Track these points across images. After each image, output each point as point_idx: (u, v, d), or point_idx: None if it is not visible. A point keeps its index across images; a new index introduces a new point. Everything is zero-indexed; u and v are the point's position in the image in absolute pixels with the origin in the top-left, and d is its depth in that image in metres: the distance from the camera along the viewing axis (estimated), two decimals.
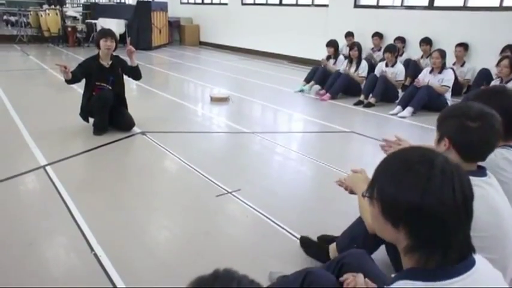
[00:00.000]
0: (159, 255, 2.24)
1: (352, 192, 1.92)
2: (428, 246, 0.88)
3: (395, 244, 0.95)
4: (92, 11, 12.50)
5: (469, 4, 7.08)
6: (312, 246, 2.23)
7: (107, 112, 4.09)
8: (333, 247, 2.07)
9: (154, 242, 2.41)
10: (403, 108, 5.47)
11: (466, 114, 1.45)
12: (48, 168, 3.25)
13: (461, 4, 7.14)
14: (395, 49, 6.14)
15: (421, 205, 0.85)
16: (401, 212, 0.88)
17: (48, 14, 11.46)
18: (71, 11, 13.42)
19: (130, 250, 2.24)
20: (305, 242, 2.26)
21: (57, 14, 11.50)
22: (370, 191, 0.97)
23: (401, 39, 7.71)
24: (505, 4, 6.63)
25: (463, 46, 6.68)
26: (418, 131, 4.84)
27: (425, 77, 5.59)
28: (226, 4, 12.71)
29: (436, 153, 0.93)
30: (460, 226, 0.87)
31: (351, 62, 6.45)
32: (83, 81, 4.11)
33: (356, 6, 8.87)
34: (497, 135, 1.46)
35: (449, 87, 5.45)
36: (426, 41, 7.22)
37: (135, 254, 2.21)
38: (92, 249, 2.21)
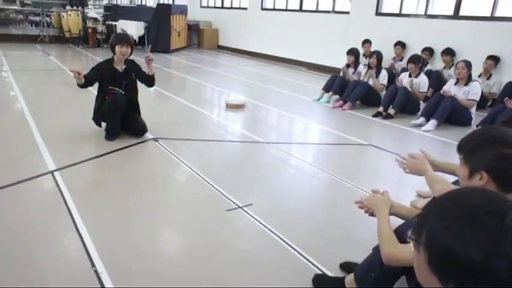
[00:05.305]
0: (163, 273, 2.12)
1: (372, 214, 1.78)
2: None
3: None
4: (113, 13, 12.61)
5: (497, 14, 6.82)
6: (325, 281, 2.06)
7: (119, 117, 4.02)
8: (349, 278, 1.91)
9: (159, 259, 2.29)
10: (427, 119, 5.23)
11: (502, 141, 1.31)
12: (56, 174, 3.18)
13: (488, 14, 6.89)
14: (420, 60, 5.87)
15: (482, 266, 0.70)
16: (455, 269, 0.74)
17: (70, 15, 11.60)
18: (92, 12, 13.57)
19: (133, 267, 2.13)
20: (317, 280, 2.08)
21: (78, 15, 11.63)
22: (417, 234, 0.81)
23: (429, 50, 7.45)
24: None
25: (495, 60, 6.38)
26: (440, 146, 4.63)
27: (450, 89, 5.35)
28: (245, 9, 12.66)
29: (506, 201, 0.77)
30: None
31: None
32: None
33: (378, 14, 8.68)
34: None
35: (476, 101, 5.20)
36: (447, 52, 6.99)
37: (137, 271, 2.10)
38: (93, 265, 2.11)
